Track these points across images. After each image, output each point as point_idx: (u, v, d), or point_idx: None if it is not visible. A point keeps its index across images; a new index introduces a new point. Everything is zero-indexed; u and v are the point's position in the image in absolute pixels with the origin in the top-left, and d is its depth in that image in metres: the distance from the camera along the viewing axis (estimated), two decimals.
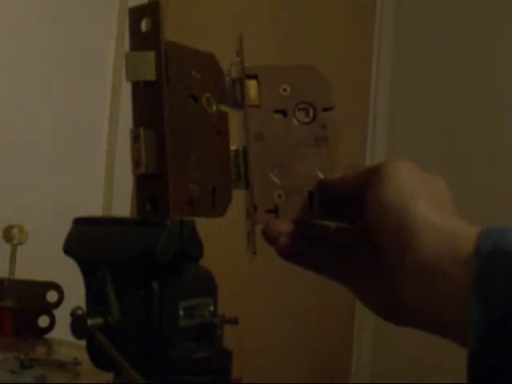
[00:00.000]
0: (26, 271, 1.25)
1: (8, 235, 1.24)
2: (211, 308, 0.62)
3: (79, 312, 0.58)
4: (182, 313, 0.59)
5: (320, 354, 2.43)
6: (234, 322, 0.64)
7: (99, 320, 0.58)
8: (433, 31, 2.35)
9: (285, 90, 0.56)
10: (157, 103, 0.56)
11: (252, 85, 0.56)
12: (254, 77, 0.56)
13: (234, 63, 0.57)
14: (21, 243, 1.24)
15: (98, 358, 0.60)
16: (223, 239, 2.27)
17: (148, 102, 0.56)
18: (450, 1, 2.35)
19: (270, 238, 0.54)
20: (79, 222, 0.63)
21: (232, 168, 0.57)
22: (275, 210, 0.55)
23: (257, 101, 0.56)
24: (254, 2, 2.49)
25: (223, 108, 0.62)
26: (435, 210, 0.45)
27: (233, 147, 0.57)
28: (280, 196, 0.55)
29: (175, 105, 0.57)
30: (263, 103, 0.56)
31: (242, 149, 0.57)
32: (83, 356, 0.67)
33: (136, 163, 0.56)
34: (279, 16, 2.40)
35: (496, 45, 2.20)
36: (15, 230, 1.24)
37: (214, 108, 0.61)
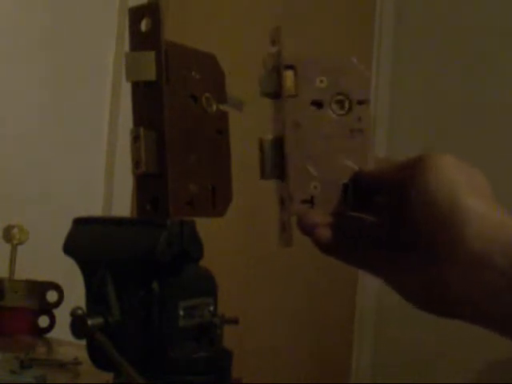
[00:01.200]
0: (26, 271, 1.25)
1: (8, 235, 1.24)
2: (211, 308, 0.62)
3: (79, 312, 0.58)
4: (181, 313, 0.59)
5: (320, 354, 2.43)
6: (234, 321, 0.64)
7: (99, 320, 0.58)
8: (433, 31, 2.35)
9: (322, 81, 0.56)
10: (157, 103, 0.56)
11: (289, 75, 0.55)
12: (291, 67, 0.56)
13: (270, 53, 0.56)
14: (21, 243, 1.24)
15: (98, 357, 0.60)
16: (223, 239, 2.27)
17: (148, 102, 0.56)
18: (450, 1, 2.35)
19: (307, 228, 0.53)
20: (79, 222, 0.63)
21: (268, 157, 0.56)
22: (310, 201, 0.54)
23: (293, 91, 0.55)
24: (254, 2, 2.49)
25: (223, 108, 0.62)
26: (484, 204, 0.46)
27: (269, 136, 0.56)
28: (315, 187, 0.55)
29: (175, 105, 0.57)
30: (300, 94, 0.55)
31: (276, 138, 0.56)
32: (83, 356, 0.67)
33: (136, 163, 0.56)
34: (279, 16, 2.40)
35: (496, 44, 2.20)
36: (15, 230, 1.24)
37: (214, 108, 0.61)
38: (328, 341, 2.42)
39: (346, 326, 2.39)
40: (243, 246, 2.39)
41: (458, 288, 0.45)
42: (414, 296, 0.49)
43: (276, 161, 0.56)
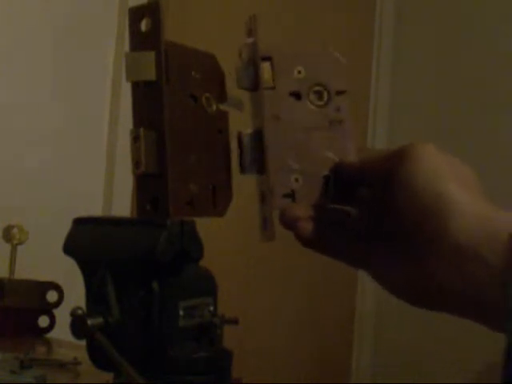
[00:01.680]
0: (26, 271, 1.25)
1: (8, 235, 1.24)
2: (211, 308, 0.62)
3: (79, 312, 0.58)
4: (182, 313, 0.59)
5: (320, 354, 2.43)
6: (234, 322, 0.64)
7: (99, 320, 0.58)
8: (433, 31, 2.35)
9: (299, 72, 0.55)
10: (157, 103, 0.56)
11: (266, 67, 0.55)
12: (268, 58, 0.55)
13: (247, 44, 0.55)
14: (21, 243, 1.24)
15: (98, 357, 0.60)
16: (223, 239, 2.27)
17: (148, 102, 0.56)
18: (450, 1, 2.35)
19: (288, 222, 0.52)
20: (79, 222, 0.63)
21: (247, 151, 0.55)
22: (292, 195, 0.54)
23: (271, 83, 0.55)
24: (253, 2, 2.49)
25: (223, 108, 0.62)
26: (468, 194, 0.45)
27: (248, 130, 0.56)
28: (296, 180, 0.54)
29: (175, 105, 0.57)
30: (277, 85, 0.55)
31: (254, 132, 0.55)
32: (83, 356, 0.67)
33: (136, 163, 0.56)
34: (279, 16, 2.40)
35: (497, 42, 2.20)
36: (15, 230, 1.24)
37: (214, 108, 0.61)
38: (328, 341, 2.42)
39: (346, 326, 2.39)
40: (243, 246, 2.39)
41: (442, 280, 0.45)
42: (397, 288, 0.49)
43: (255, 155, 0.55)
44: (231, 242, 2.44)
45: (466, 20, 2.29)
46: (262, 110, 0.54)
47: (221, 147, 0.61)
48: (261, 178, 0.55)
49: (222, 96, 0.62)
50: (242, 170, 0.56)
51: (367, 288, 2.33)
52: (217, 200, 0.60)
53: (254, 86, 0.55)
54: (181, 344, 0.59)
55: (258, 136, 0.54)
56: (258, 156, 0.55)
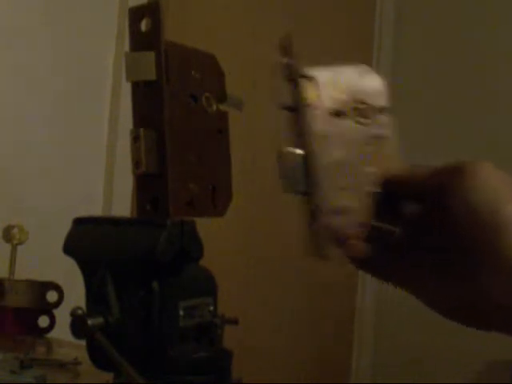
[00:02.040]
0: (26, 271, 1.25)
1: (8, 235, 1.24)
2: (211, 308, 0.62)
3: (79, 312, 0.58)
4: (182, 313, 0.59)
5: (320, 354, 2.43)
6: (234, 322, 0.64)
7: (99, 320, 0.58)
8: (433, 31, 2.35)
9: (341, 90, 0.56)
10: (157, 103, 0.56)
11: (308, 86, 0.55)
12: (309, 77, 0.55)
13: (286, 63, 0.56)
14: (21, 243, 1.24)
15: (98, 357, 0.60)
16: (223, 239, 2.27)
17: (148, 102, 0.56)
18: (450, 1, 2.35)
19: (338, 241, 0.52)
20: (79, 222, 0.63)
21: (292, 171, 0.56)
22: (341, 212, 0.53)
23: (314, 102, 0.55)
24: (253, 2, 2.49)
25: (223, 108, 0.62)
26: None
27: (291, 149, 0.56)
28: (344, 197, 0.54)
29: (175, 105, 0.57)
30: (320, 104, 0.55)
31: (299, 151, 0.56)
32: (83, 356, 0.67)
33: (136, 163, 0.56)
34: (279, 16, 2.40)
35: (496, 42, 2.20)
36: (15, 230, 1.24)
37: (214, 108, 0.61)
38: (328, 341, 2.42)
39: (346, 326, 2.39)
40: (243, 246, 2.39)
41: (498, 297, 0.45)
42: (448, 307, 0.49)
43: (300, 174, 0.55)
44: (231, 242, 2.44)
45: (466, 20, 2.29)
46: (306, 129, 0.54)
47: (221, 147, 0.61)
48: (308, 197, 0.55)
49: (221, 96, 0.62)
50: (289, 189, 0.56)
51: (367, 288, 2.33)
52: (217, 200, 0.60)
53: (296, 105, 0.55)
54: (181, 344, 0.59)
55: (303, 155, 0.55)
56: (303, 175, 0.55)
